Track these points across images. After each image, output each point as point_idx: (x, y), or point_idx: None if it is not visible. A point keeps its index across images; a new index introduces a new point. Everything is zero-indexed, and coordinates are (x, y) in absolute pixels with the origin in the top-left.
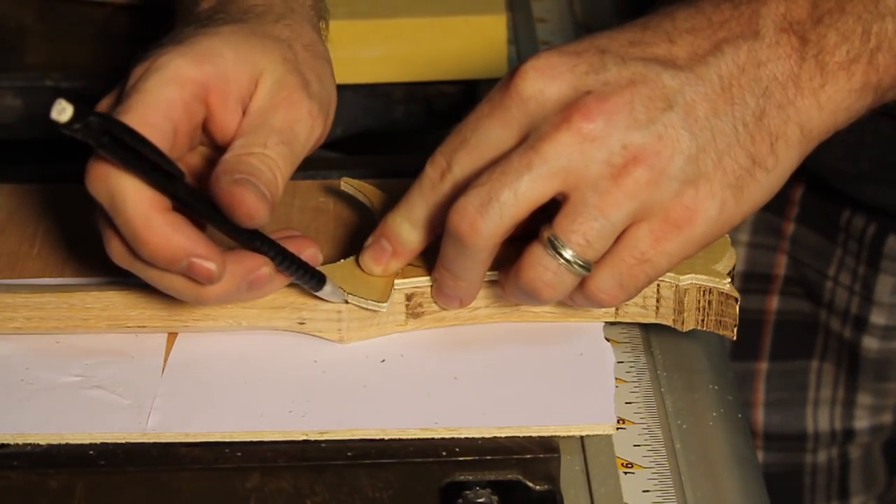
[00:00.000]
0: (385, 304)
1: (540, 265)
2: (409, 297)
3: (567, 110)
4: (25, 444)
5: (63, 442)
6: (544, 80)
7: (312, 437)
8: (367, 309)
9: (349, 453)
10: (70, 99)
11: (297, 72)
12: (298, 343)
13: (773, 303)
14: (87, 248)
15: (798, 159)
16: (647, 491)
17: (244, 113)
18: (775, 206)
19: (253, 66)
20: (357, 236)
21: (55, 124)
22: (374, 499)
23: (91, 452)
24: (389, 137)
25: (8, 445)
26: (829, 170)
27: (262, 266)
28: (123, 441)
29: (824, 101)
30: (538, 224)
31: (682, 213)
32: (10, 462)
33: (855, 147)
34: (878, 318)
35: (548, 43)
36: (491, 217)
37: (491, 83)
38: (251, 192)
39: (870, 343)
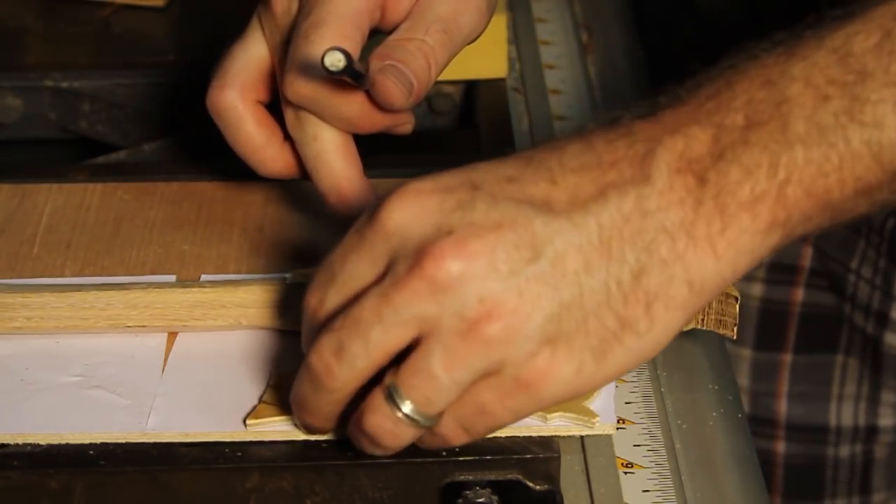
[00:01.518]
0: None
1: (380, 413)
2: None
3: (422, 253)
4: (25, 444)
5: (63, 442)
6: (408, 215)
7: (312, 438)
8: None
9: (349, 453)
10: (342, 50)
11: None
12: (298, 343)
13: (799, 295)
14: (88, 249)
15: (682, 321)
16: (647, 491)
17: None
18: None
19: None
20: None
21: (327, 71)
22: (374, 499)
23: (91, 452)
24: (389, 137)
25: (8, 445)
26: None
27: None
28: (123, 441)
29: (723, 249)
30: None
31: (534, 374)
32: (10, 462)
33: None
34: None
35: (548, 43)
36: (345, 366)
37: (491, 83)
38: (391, 80)
39: (892, 340)
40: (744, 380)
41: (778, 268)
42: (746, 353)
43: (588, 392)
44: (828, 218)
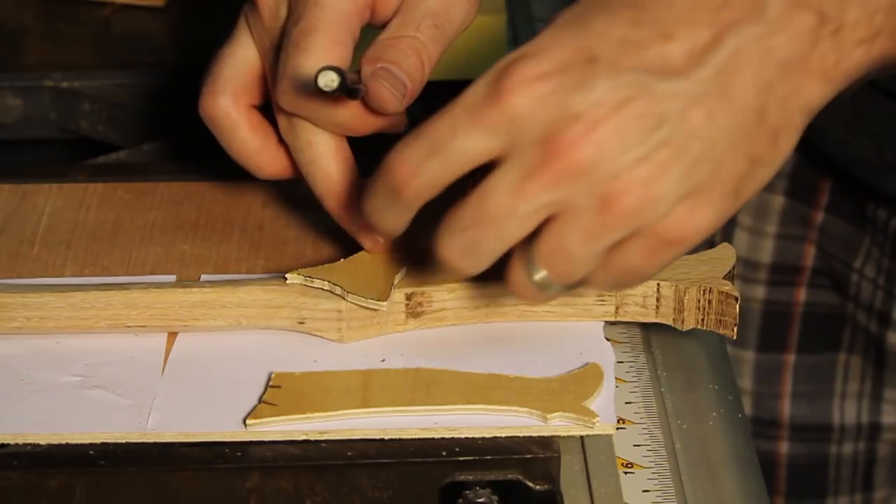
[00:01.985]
0: (385, 303)
1: (524, 282)
2: (408, 297)
3: (554, 141)
4: (25, 444)
5: (63, 442)
6: (531, 100)
7: (312, 437)
8: (366, 308)
9: (349, 453)
10: (335, 70)
11: None
12: (298, 343)
13: (801, 295)
14: (88, 249)
15: (797, 139)
16: (647, 491)
17: None
18: (805, 195)
19: None
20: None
21: (320, 91)
22: (374, 499)
23: (91, 452)
24: (389, 137)
25: (8, 445)
26: (855, 161)
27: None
28: (123, 441)
29: (834, 78)
30: None
31: (677, 229)
32: (10, 462)
33: (879, 138)
34: None
35: None
36: (476, 259)
37: None
38: (384, 86)
39: (894, 339)
40: (746, 382)
41: (780, 269)
42: (749, 355)
43: None
44: None
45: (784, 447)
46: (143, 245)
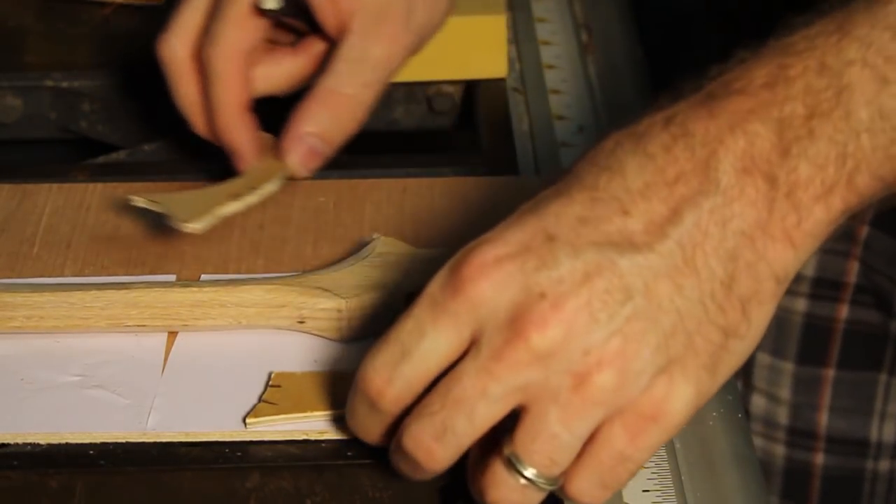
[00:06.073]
0: (191, 226)
1: (504, 486)
2: (409, 297)
3: (520, 321)
4: (25, 444)
5: (63, 442)
6: (493, 283)
7: (312, 437)
8: (177, 228)
9: (349, 453)
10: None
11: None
12: (298, 343)
13: (843, 311)
14: (88, 249)
15: (773, 310)
16: (647, 491)
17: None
18: None
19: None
20: (358, 236)
21: (266, 11)
22: (374, 499)
23: (91, 452)
24: (389, 137)
25: (8, 445)
26: None
27: None
28: (123, 441)
29: (800, 240)
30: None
31: (656, 405)
32: (10, 462)
33: None
34: None
35: (548, 43)
36: (447, 446)
37: (491, 83)
38: (305, 152)
39: None
40: (785, 392)
41: (822, 283)
42: (789, 366)
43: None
44: (894, 192)
45: (820, 458)
46: (143, 245)
